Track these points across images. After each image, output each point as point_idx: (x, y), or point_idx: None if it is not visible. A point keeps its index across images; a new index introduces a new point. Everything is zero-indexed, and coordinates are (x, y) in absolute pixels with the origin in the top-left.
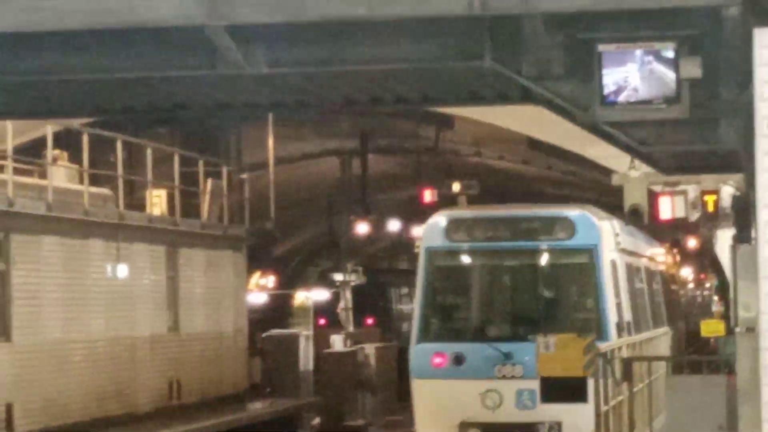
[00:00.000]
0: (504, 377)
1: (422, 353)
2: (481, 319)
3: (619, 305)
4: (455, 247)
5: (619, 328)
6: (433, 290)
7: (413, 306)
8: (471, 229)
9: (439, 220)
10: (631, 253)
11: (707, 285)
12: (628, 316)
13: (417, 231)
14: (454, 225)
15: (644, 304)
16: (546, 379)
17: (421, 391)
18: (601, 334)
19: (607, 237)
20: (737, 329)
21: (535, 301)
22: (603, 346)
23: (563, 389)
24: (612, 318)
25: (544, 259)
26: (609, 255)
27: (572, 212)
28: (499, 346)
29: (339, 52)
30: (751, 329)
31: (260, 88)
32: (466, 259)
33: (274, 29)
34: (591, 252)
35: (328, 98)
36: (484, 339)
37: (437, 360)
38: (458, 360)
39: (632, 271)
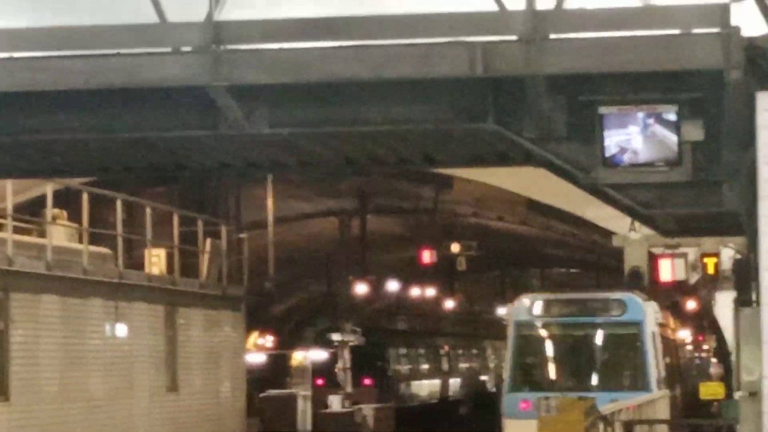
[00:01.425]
0: None
1: (512, 400)
2: (557, 374)
3: (657, 366)
4: (537, 320)
5: (658, 382)
6: (520, 352)
7: (503, 365)
8: (548, 307)
9: (525, 300)
10: (662, 326)
11: (705, 347)
12: (663, 374)
13: (504, 309)
14: (536, 304)
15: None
16: None
17: (511, 428)
18: (646, 387)
19: (650, 314)
20: (740, 393)
21: (597, 361)
22: (604, 408)
23: None
24: (653, 375)
25: (603, 330)
26: (651, 328)
27: (624, 295)
28: (571, 394)
29: (340, 113)
30: (754, 393)
31: (261, 148)
32: (545, 330)
33: (275, 89)
34: (638, 325)
35: (329, 158)
36: (560, 389)
37: (523, 405)
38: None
39: (661, 340)
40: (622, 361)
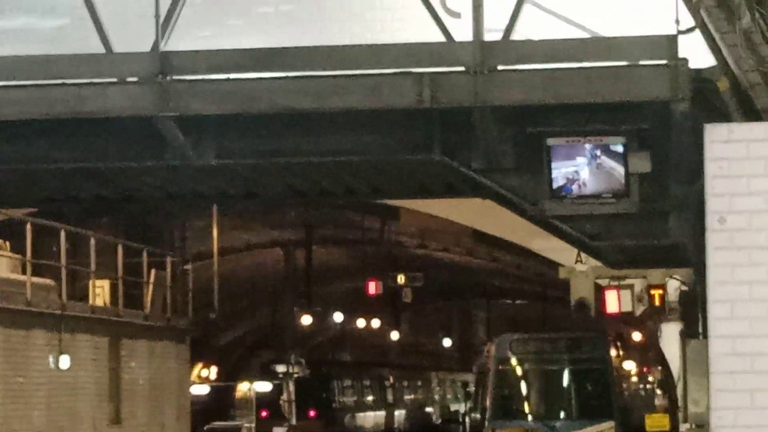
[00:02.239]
0: None
1: (494, 426)
2: (534, 404)
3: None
4: (515, 357)
5: (617, 412)
6: (500, 385)
7: (486, 396)
8: (526, 345)
9: (504, 338)
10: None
11: (650, 379)
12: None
13: (487, 347)
14: (514, 343)
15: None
16: None
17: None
18: (611, 415)
19: (615, 352)
20: (686, 426)
21: (569, 394)
22: None
23: None
24: (616, 404)
25: (573, 366)
26: (614, 363)
27: (591, 335)
28: (547, 422)
29: (287, 144)
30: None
31: (208, 179)
32: (522, 366)
33: (223, 120)
34: (604, 361)
35: (275, 189)
36: (536, 418)
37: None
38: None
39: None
40: (590, 393)
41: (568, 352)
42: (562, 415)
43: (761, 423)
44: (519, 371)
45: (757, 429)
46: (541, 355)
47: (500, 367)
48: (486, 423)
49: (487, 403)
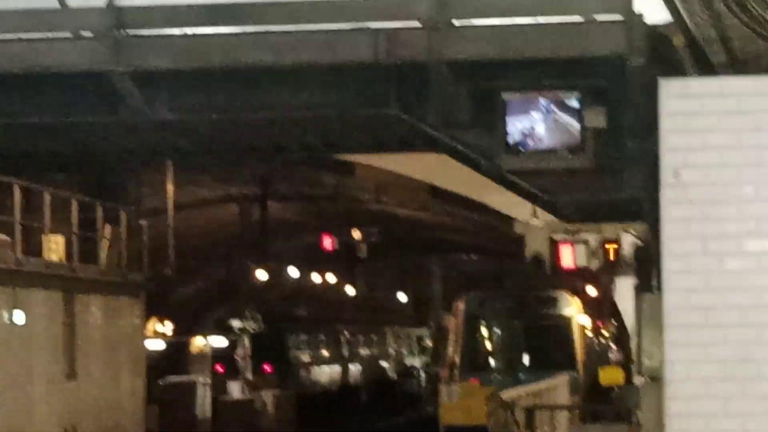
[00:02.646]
0: None
1: (465, 379)
2: (500, 358)
3: (581, 350)
4: (485, 314)
5: (581, 364)
6: (470, 341)
7: (455, 350)
8: (493, 302)
9: (474, 296)
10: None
11: (605, 333)
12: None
13: (455, 304)
14: (483, 300)
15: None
16: (449, 428)
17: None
18: (575, 367)
19: (577, 309)
20: (641, 378)
21: (535, 347)
22: (505, 394)
23: None
24: (580, 358)
25: (540, 322)
26: (576, 320)
27: (557, 293)
28: (514, 374)
29: (243, 99)
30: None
31: (162, 134)
32: (491, 322)
33: (178, 75)
34: (569, 318)
35: (230, 144)
36: (503, 370)
37: (473, 382)
38: (489, 382)
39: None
40: (554, 347)
41: (533, 309)
42: (527, 367)
43: (714, 376)
44: (488, 327)
45: (711, 382)
46: (509, 312)
47: (470, 323)
48: (456, 375)
49: (457, 358)
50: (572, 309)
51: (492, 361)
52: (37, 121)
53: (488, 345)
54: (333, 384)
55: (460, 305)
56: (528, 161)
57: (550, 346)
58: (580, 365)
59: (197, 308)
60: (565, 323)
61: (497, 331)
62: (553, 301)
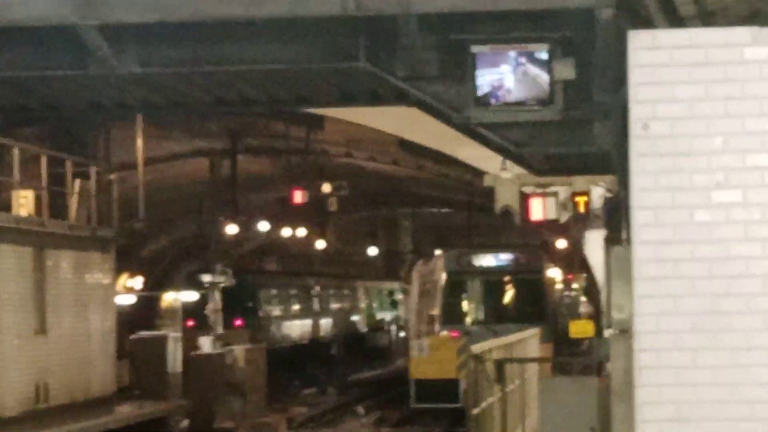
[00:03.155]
0: None
1: (445, 331)
2: (478, 311)
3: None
4: (463, 270)
5: (553, 317)
6: (450, 296)
7: (434, 306)
8: (471, 259)
9: (452, 253)
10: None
11: (575, 286)
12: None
13: (434, 260)
14: (462, 257)
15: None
16: (419, 381)
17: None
18: (547, 320)
19: (545, 266)
20: (610, 331)
21: (508, 301)
22: (475, 347)
23: (436, 391)
24: (549, 311)
25: (513, 277)
26: (546, 276)
27: (528, 250)
28: (489, 326)
29: (212, 53)
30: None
31: (131, 88)
32: (469, 277)
33: (146, 29)
34: (539, 273)
35: (200, 98)
36: (480, 323)
37: (453, 334)
38: (467, 334)
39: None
40: (527, 301)
41: (507, 265)
42: (502, 319)
43: (683, 328)
44: (466, 282)
45: (680, 334)
46: (485, 268)
47: (450, 279)
48: (436, 329)
49: (436, 311)
50: (543, 265)
51: (468, 314)
52: (5, 75)
53: (466, 299)
54: (304, 338)
55: (438, 262)
56: (497, 114)
57: (523, 299)
58: (549, 317)
59: (168, 263)
60: (537, 278)
61: (474, 286)
62: (526, 258)
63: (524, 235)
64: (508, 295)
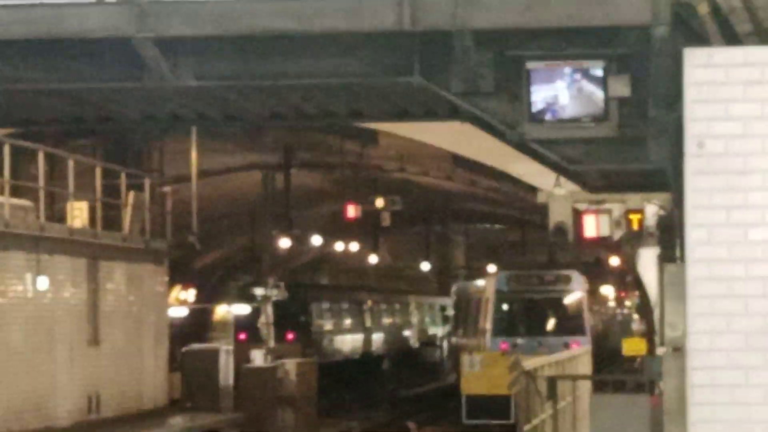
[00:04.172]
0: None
1: (494, 342)
2: (524, 325)
3: (589, 321)
4: (510, 290)
5: (590, 332)
6: (497, 312)
7: (485, 320)
8: (518, 279)
9: (501, 275)
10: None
11: (628, 303)
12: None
13: (486, 279)
14: (509, 278)
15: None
16: (470, 397)
17: (462, 356)
18: (584, 333)
19: (585, 286)
20: (663, 349)
21: (551, 317)
22: (527, 364)
23: (488, 407)
24: (588, 327)
25: (555, 296)
26: (586, 296)
27: (570, 272)
28: (535, 339)
29: (267, 66)
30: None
31: (186, 101)
32: (515, 296)
33: (202, 42)
34: (579, 293)
35: (254, 112)
36: (526, 336)
37: (503, 346)
38: (514, 346)
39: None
40: (567, 316)
41: (550, 284)
42: (545, 332)
43: (737, 347)
44: (512, 300)
45: (733, 352)
46: (530, 287)
47: (497, 298)
48: (486, 340)
49: (488, 324)
50: (582, 284)
51: (515, 328)
52: (62, 87)
53: (512, 315)
54: (355, 352)
55: (490, 281)
56: (551, 130)
57: (563, 315)
58: (588, 331)
59: (220, 276)
60: (577, 296)
61: (519, 303)
62: (567, 278)
63: (577, 251)
64: (550, 311)
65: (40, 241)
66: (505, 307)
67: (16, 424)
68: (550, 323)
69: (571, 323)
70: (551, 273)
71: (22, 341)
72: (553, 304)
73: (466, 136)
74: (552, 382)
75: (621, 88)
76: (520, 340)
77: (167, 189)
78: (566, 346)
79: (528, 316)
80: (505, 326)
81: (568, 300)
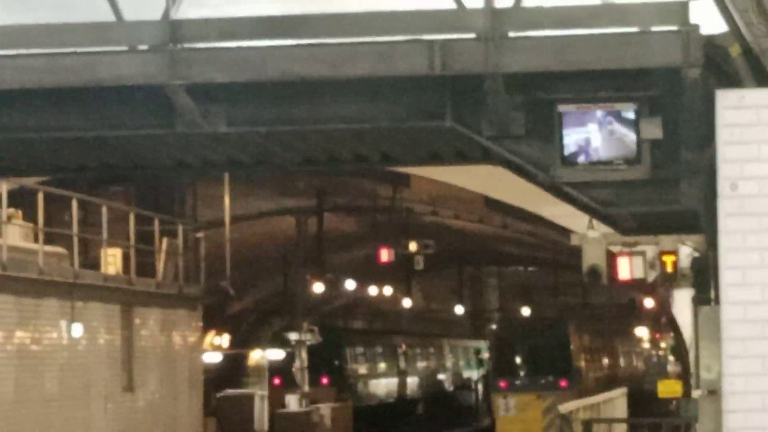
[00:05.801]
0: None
1: (495, 381)
2: (519, 366)
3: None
4: (507, 335)
5: (574, 371)
6: (498, 355)
7: (489, 362)
8: (513, 326)
9: (501, 321)
10: None
11: (662, 345)
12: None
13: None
14: (506, 325)
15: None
16: None
17: (496, 399)
18: (569, 373)
19: (571, 329)
20: (698, 391)
21: (541, 359)
22: (563, 407)
23: None
24: (572, 366)
25: (546, 342)
26: (575, 340)
27: (557, 320)
28: (527, 377)
29: (298, 112)
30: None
31: (218, 147)
32: (511, 341)
33: (233, 88)
34: (565, 337)
35: (286, 157)
36: (521, 375)
37: (503, 384)
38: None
39: None
40: (555, 358)
41: (541, 331)
42: (536, 372)
43: None
44: (509, 345)
45: None
46: (524, 333)
47: (497, 343)
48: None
49: (491, 366)
50: (569, 330)
51: (512, 369)
52: (93, 134)
53: (512, 358)
54: (390, 396)
55: (492, 328)
56: (584, 173)
57: (551, 357)
58: (573, 371)
59: (254, 321)
60: (564, 342)
61: (515, 348)
62: (556, 325)
63: (611, 293)
64: (541, 353)
65: (74, 288)
66: (502, 352)
67: None
68: (539, 364)
69: (559, 365)
70: (541, 321)
71: (57, 389)
72: (543, 347)
73: (498, 179)
74: (588, 425)
75: (653, 130)
76: (517, 381)
77: (200, 235)
78: (556, 383)
79: (522, 359)
80: (503, 369)
81: (557, 344)
